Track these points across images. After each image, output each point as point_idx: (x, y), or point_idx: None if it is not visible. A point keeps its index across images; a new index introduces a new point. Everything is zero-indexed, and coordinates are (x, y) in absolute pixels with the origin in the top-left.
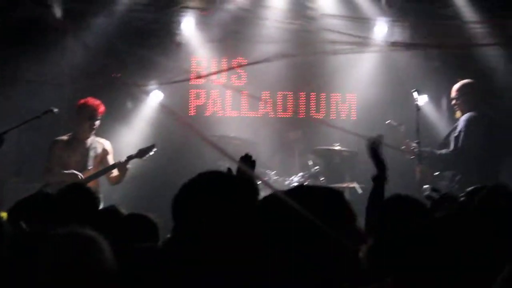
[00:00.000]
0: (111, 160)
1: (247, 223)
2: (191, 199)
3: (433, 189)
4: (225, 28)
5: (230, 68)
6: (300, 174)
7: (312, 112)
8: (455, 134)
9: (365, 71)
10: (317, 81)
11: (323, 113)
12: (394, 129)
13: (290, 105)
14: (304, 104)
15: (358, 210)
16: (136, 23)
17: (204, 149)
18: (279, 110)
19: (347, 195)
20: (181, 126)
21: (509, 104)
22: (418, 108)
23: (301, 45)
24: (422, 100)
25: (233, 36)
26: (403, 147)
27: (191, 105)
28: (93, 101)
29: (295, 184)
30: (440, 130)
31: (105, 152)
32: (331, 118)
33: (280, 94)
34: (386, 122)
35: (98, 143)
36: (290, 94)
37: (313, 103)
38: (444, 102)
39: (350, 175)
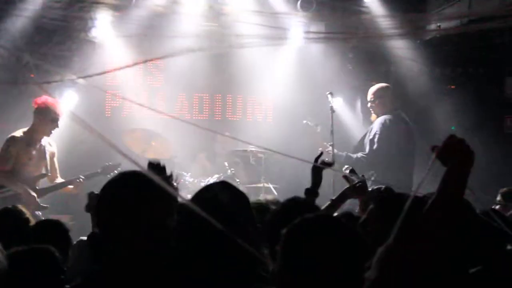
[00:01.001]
0: (56, 161)
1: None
2: (110, 199)
3: (351, 171)
4: (140, 25)
5: (137, 63)
6: (216, 176)
7: (228, 114)
8: (370, 137)
9: (281, 74)
10: (234, 84)
11: (239, 115)
12: (311, 129)
13: (207, 107)
14: (220, 106)
15: None
16: (49, 21)
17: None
18: (196, 112)
19: (263, 196)
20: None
21: (421, 108)
22: (332, 111)
23: (214, 42)
24: (336, 102)
25: (148, 32)
26: (320, 149)
27: (107, 106)
28: (54, 102)
29: None
30: (354, 132)
31: (53, 153)
32: (247, 120)
33: (196, 96)
34: (303, 122)
35: (48, 143)
36: (207, 96)
37: (230, 105)
38: (358, 104)
39: (265, 176)
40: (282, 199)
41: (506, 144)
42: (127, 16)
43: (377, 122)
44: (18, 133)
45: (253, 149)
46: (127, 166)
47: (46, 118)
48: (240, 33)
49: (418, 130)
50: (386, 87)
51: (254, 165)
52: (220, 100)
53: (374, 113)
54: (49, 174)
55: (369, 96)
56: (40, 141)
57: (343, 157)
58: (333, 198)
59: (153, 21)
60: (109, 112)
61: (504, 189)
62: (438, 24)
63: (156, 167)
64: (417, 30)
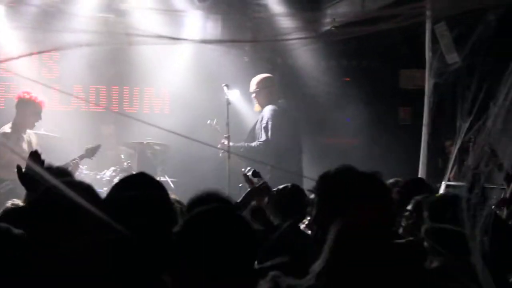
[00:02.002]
0: None
1: None
2: None
3: (254, 173)
4: (34, 18)
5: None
6: (112, 168)
7: (125, 107)
8: (264, 125)
9: (179, 65)
10: (131, 76)
11: (136, 107)
12: (212, 128)
13: (103, 99)
14: (117, 98)
15: None
16: None
17: None
18: (92, 104)
19: None
20: None
21: (316, 100)
22: (228, 102)
23: (107, 36)
24: (233, 94)
25: (41, 26)
26: (219, 146)
27: (0, 98)
28: (36, 96)
29: (107, 178)
30: (251, 124)
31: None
32: (144, 112)
33: (93, 88)
34: (207, 122)
35: (31, 135)
36: (103, 88)
37: (127, 97)
38: None
39: (162, 169)
40: (179, 192)
41: (400, 135)
42: (21, 8)
43: (267, 110)
44: (7, 128)
45: (149, 141)
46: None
47: (29, 111)
48: (135, 29)
49: (314, 122)
50: (270, 77)
51: (151, 157)
52: (117, 92)
53: (258, 103)
54: None
55: (253, 86)
56: (23, 133)
57: (243, 147)
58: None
59: (47, 15)
60: (3, 104)
61: (391, 180)
62: (333, 17)
63: (37, 155)
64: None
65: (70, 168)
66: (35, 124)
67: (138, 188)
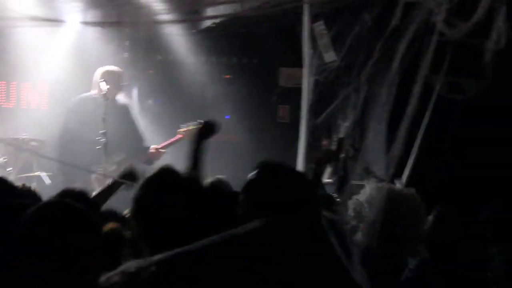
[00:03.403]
0: None
1: None
2: None
3: None
4: None
5: None
6: None
7: (1, 102)
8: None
9: (58, 60)
10: (7, 69)
11: (13, 102)
12: None
13: None
14: None
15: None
16: None
17: None
18: None
19: (34, 185)
20: None
21: (197, 96)
22: (106, 98)
23: None
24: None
25: None
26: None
27: None
28: None
29: None
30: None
31: None
32: (21, 107)
33: None
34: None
35: None
36: None
37: (3, 92)
38: (135, 92)
39: (37, 165)
40: (55, 187)
41: (278, 132)
42: None
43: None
44: None
45: (25, 137)
46: None
47: None
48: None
49: (193, 119)
50: (115, 71)
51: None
52: None
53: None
54: None
55: (97, 76)
56: None
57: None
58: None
59: None
60: None
61: None
62: (213, 14)
63: None
64: (191, 17)
65: None
66: None
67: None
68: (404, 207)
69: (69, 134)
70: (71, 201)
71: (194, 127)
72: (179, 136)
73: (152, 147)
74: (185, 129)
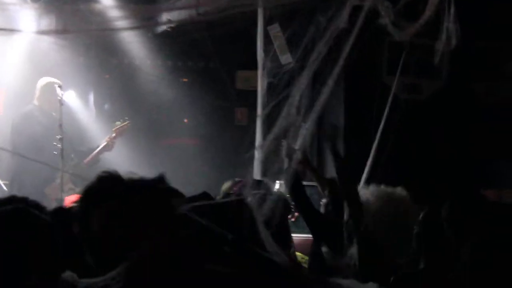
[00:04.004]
0: None
1: None
2: None
3: None
4: None
5: None
6: None
7: None
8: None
9: (12, 67)
10: None
11: None
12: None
13: None
14: None
15: None
16: None
17: None
18: None
19: None
20: None
21: (154, 101)
22: (61, 103)
23: None
24: (67, 95)
25: None
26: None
27: None
28: None
29: None
30: (87, 126)
31: None
32: None
33: None
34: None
35: None
36: None
37: None
38: (91, 98)
39: None
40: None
41: (236, 135)
42: None
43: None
44: None
45: None
46: None
47: None
48: None
49: (150, 123)
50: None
51: None
52: None
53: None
54: None
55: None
56: None
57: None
58: None
59: None
60: None
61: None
62: (169, 17)
63: None
64: (146, 22)
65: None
66: None
67: None
68: (400, 209)
69: (19, 148)
70: (22, 204)
71: (125, 123)
72: (112, 135)
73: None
74: (118, 126)
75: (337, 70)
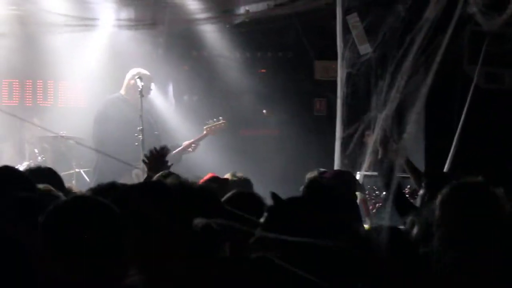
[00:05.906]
0: None
1: None
2: None
3: None
4: None
5: None
6: (26, 163)
7: (39, 100)
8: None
9: (94, 58)
10: (44, 69)
11: (51, 101)
12: None
13: (17, 93)
14: (31, 92)
15: None
16: None
17: None
18: (5, 98)
19: (73, 182)
20: None
21: (232, 92)
22: (141, 95)
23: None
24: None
25: None
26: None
27: None
28: None
29: None
30: (166, 116)
31: None
32: (59, 105)
33: (5, 82)
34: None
35: None
36: (16, 82)
37: (40, 91)
38: (170, 89)
39: (76, 163)
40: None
41: (316, 126)
42: None
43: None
44: None
45: (63, 134)
46: None
47: None
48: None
49: (230, 114)
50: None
51: (65, 151)
52: (30, 86)
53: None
54: None
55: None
56: None
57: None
58: None
59: None
60: None
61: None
62: (247, 8)
63: None
64: (224, 13)
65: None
66: None
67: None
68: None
69: (101, 135)
70: (98, 197)
71: (219, 123)
72: (204, 133)
73: (185, 143)
74: (210, 125)
75: (437, 59)
